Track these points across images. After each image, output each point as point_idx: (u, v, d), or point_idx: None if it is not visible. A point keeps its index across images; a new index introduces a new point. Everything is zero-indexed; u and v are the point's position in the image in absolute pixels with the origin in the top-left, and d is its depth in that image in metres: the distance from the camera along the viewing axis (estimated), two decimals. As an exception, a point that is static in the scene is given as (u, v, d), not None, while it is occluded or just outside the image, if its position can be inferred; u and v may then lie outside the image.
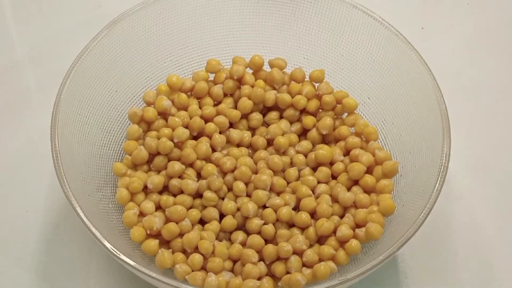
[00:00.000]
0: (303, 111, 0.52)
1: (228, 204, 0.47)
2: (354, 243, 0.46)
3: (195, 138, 0.51)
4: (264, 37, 0.55)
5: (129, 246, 0.46)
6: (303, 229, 0.47)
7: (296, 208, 0.48)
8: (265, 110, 0.53)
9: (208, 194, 0.48)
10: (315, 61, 0.54)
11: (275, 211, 0.47)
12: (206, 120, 0.51)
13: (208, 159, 0.50)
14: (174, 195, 0.49)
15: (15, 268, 0.50)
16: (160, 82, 0.54)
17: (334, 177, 0.50)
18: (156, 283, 0.42)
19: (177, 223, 0.47)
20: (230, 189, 0.48)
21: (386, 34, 0.51)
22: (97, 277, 0.50)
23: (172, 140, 0.49)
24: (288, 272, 0.45)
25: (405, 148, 0.50)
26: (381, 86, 0.52)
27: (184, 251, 0.46)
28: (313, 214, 0.48)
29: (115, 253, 0.41)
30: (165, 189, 0.49)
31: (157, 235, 0.47)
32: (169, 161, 0.49)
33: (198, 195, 0.48)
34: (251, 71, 0.53)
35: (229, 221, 0.47)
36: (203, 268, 0.46)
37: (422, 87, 0.48)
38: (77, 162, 0.47)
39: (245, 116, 0.52)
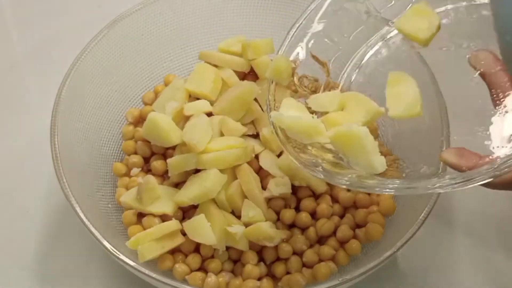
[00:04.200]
0: (303, 111, 0.52)
1: (228, 204, 0.47)
2: (354, 243, 0.46)
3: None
4: (264, 37, 0.54)
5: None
6: (303, 229, 0.47)
7: (296, 208, 0.48)
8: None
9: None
10: (315, 61, 0.54)
11: (275, 211, 0.47)
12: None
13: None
14: (174, 195, 0.48)
15: (16, 268, 0.50)
16: (160, 82, 0.54)
17: (334, 177, 0.50)
18: (156, 283, 0.42)
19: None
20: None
21: (385, 32, 0.50)
22: (97, 277, 0.50)
23: (172, 140, 0.49)
24: (288, 272, 0.45)
25: (405, 145, 0.50)
26: (381, 84, 0.52)
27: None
28: (313, 214, 0.48)
29: (115, 253, 0.41)
30: (165, 189, 0.49)
31: (157, 235, 0.47)
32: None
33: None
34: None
35: (229, 221, 0.47)
36: (203, 268, 0.46)
37: (421, 84, 0.48)
38: (77, 162, 0.47)
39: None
